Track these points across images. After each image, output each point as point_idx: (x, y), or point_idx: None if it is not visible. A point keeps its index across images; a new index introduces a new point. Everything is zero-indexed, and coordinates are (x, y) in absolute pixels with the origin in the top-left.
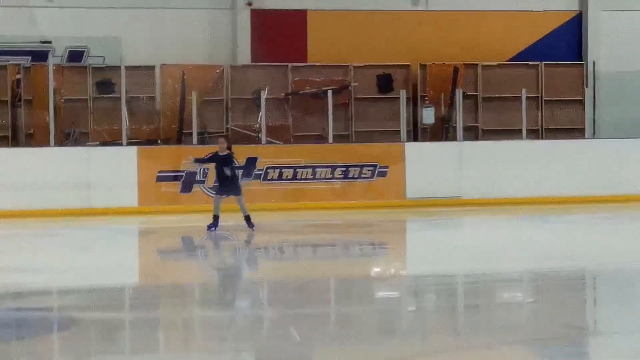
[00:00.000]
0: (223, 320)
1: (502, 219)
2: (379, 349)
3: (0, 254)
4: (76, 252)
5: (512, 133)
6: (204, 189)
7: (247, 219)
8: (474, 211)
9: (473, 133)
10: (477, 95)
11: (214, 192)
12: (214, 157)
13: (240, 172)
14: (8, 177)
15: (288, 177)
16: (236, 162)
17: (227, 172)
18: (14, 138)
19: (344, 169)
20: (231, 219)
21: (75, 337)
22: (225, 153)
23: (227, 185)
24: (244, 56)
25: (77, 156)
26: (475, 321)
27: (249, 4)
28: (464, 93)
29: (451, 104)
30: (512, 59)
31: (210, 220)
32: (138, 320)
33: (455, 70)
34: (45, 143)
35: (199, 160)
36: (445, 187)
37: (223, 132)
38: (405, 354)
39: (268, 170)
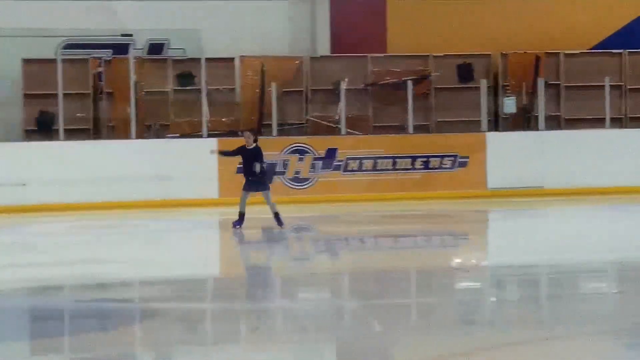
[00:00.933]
0: (304, 311)
1: (585, 208)
2: (460, 340)
3: (82, 246)
4: (157, 244)
5: (595, 122)
6: (284, 180)
7: (276, 215)
8: (557, 201)
9: (555, 122)
10: (559, 84)
11: (242, 189)
12: (241, 151)
13: (273, 167)
14: (90, 169)
15: (368, 168)
16: (264, 157)
17: (256, 167)
18: (96, 131)
19: (425, 159)
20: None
21: (156, 329)
22: (253, 147)
23: (254, 180)
24: (324, 47)
25: (157, 148)
26: (558, 312)
27: None
28: (545, 82)
29: (533, 93)
30: (594, 47)
31: (236, 217)
32: (219, 311)
33: (537, 59)
34: (126, 135)
35: (224, 153)
36: (527, 177)
37: (302, 123)
38: (487, 344)
39: (348, 161)
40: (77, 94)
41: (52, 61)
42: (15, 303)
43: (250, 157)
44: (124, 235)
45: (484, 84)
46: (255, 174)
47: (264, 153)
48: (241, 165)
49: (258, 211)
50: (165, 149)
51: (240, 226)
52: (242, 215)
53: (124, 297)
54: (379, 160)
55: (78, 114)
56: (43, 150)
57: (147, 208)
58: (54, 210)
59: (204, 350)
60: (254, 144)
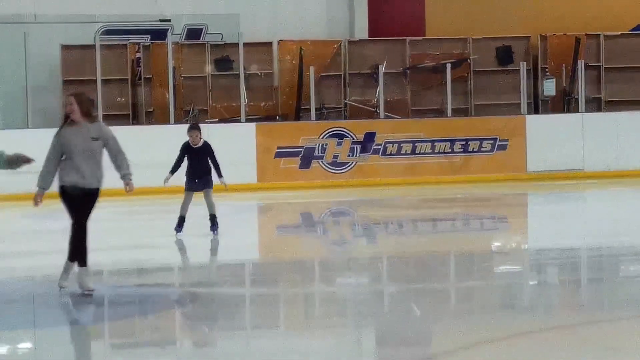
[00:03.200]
0: (343, 296)
1: (627, 191)
2: (500, 324)
3: (122, 232)
4: (196, 229)
5: (636, 104)
6: (323, 165)
7: (214, 218)
8: (597, 184)
9: (595, 104)
10: (599, 66)
11: (187, 187)
12: (186, 151)
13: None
14: (129, 155)
15: (407, 152)
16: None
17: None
18: (135, 116)
19: (463, 143)
20: (346, 194)
21: (196, 313)
22: (201, 144)
23: (202, 179)
24: (362, 31)
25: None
26: (600, 296)
27: None
28: (585, 64)
29: (573, 76)
30: (635, 28)
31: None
32: (258, 296)
33: (577, 41)
34: (165, 121)
35: (172, 170)
36: (567, 159)
37: (341, 107)
38: (527, 329)
39: (387, 145)
40: (115, 79)
41: (91, 47)
42: (56, 289)
43: (197, 155)
44: (163, 220)
45: (523, 66)
46: (205, 173)
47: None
48: (281, 150)
49: (293, 196)
50: (204, 133)
51: (181, 231)
52: (183, 220)
53: (166, 282)
54: (417, 144)
55: (117, 100)
56: None
57: None
58: None
59: (244, 334)
60: (202, 141)
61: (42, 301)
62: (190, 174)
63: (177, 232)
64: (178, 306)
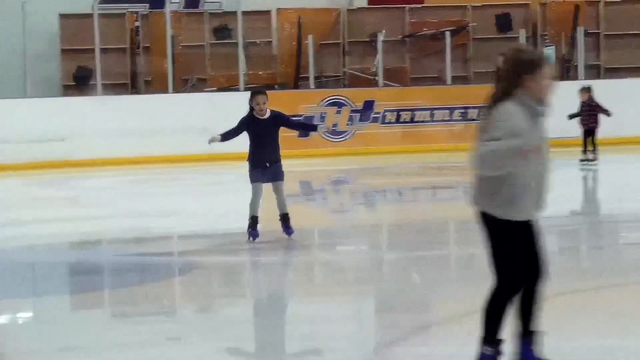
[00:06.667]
0: (344, 263)
1: (626, 158)
2: None
3: (123, 199)
4: (196, 197)
5: (636, 71)
6: (322, 134)
7: (286, 218)
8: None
9: (595, 72)
10: (598, 32)
11: (255, 178)
12: (249, 124)
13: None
14: (128, 124)
15: (406, 120)
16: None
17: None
18: (134, 85)
19: (463, 110)
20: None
21: (196, 281)
22: (268, 115)
23: (272, 167)
24: None
25: (196, 102)
26: (606, 261)
27: None
28: (585, 31)
29: (572, 43)
30: None
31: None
32: (258, 264)
33: (576, 7)
34: (164, 90)
35: (225, 136)
36: (567, 127)
37: (340, 76)
38: None
39: (386, 113)
40: (114, 48)
41: (89, 16)
42: (59, 257)
43: (264, 130)
44: (163, 189)
45: (522, 34)
46: (276, 156)
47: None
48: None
49: (292, 164)
50: (204, 102)
51: (257, 235)
52: (256, 220)
53: (164, 251)
54: (416, 112)
55: (115, 69)
56: (82, 105)
57: (187, 162)
58: (95, 165)
59: (244, 302)
60: (269, 111)
61: (42, 269)
62: (256, 158)
63: (251, 238)
64: (177, 274)
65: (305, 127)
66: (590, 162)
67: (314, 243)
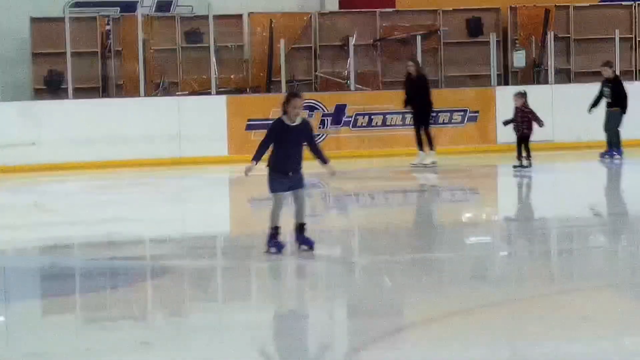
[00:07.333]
0: (314, 268)
1: (595, 162)
2: (471, 295)
3: (93, 205)
4: (168, 202)
5: None
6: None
7: (302, 228)
8: (566, 155)
9: (565, 76)
10: (569, 37)
11: (275, 187)
12: (280, 130)
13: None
14: (98, 128)
15: (377, 124)
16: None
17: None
18: (104, 89)
19: (434, 114)
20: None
21: (167, 286)
22: (299, 122)
23: (295, 175)
24: (332, 3)
25: (167, 106)
26: (568, 267)
27: None
28: (555, 35)
29: (542, 47)
30: (604, 0)
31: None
32: (229, 269)
33: (547, 12)
34: (135, 94)
35: (259, 154)
36: (537, 131)
37: (311, 80)
38: (498, 299)
39: (357, 117)
40: (85, 52)
41: (60, 20)
42: (29, 262)
43: (294, 137)
44: (134, 194)
45: (493, 38)
46: (300, 165)
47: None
48: (251, 122)
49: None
50: (175, 106)
51: (282, 246)
52: (277, 230)
53: (136, 255)
54: (388, 116)
55: (87, 73)
56: (52, 109)
57: (157, 166)
58: (65, 170)
59: (215, 307)
60: (300, 118)
61: (11, 275)
62: (279, 166)
63: (275, 249)
64: (149, 279)
65: (319, 156)
66: (523, 168)
67: (285, 247)
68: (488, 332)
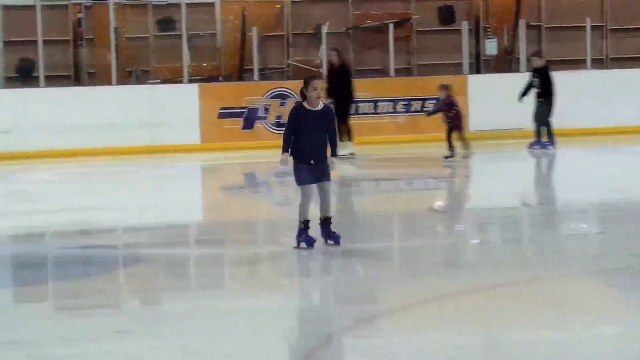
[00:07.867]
0: (289, 255)
1: (567, 150)
2: (446, 283)
3: (66, 193)
4: (141, 190)
5: (576, 63)
6: (266, 125)
7: (328, 222)
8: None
9: None
10: (540, 25)
11: (302, 178)
12: (301, 115)
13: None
14: (71, 117)
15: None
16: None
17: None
18: (77, 77)
19: (406, 103)
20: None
21: (141, 274)
22: (321, 107)
23: (319, 165)
24: None
25: (139, 94)
26: (543, 253)
27: None
28: (527, 23)
29: (514, 35)
30: None
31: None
32: (203, 257)
33: (518, 0)
34: (107, 82)
35: (285, 148)
36: (509, 119)
37: (284, 68)
38: (473, 287)
39: (330, 105)
40: (57, 40)
41: (32, 7)
42: (2, 250)
43: (314, 123)
44: (107, 182)
45: (465, 26)
46: (324, 153)
47: None
48: (224, 111)
49: (236, 157)
50: (147, 95)
51: (313, 240)
52: (307, 224)
53: (109, 244)
54: (360, 104)
55: (58, 61)
56: (24, 98)
57: (130, 155)
58: (37, 158)
59: (190, 295)
60: (322, 103)
61: None
62: (303, 154)
63: (305, 244)
64: (122, 267)
65: (332, 144)
66: (448, 159)
67: (258, 235)
68: (464, 318)
